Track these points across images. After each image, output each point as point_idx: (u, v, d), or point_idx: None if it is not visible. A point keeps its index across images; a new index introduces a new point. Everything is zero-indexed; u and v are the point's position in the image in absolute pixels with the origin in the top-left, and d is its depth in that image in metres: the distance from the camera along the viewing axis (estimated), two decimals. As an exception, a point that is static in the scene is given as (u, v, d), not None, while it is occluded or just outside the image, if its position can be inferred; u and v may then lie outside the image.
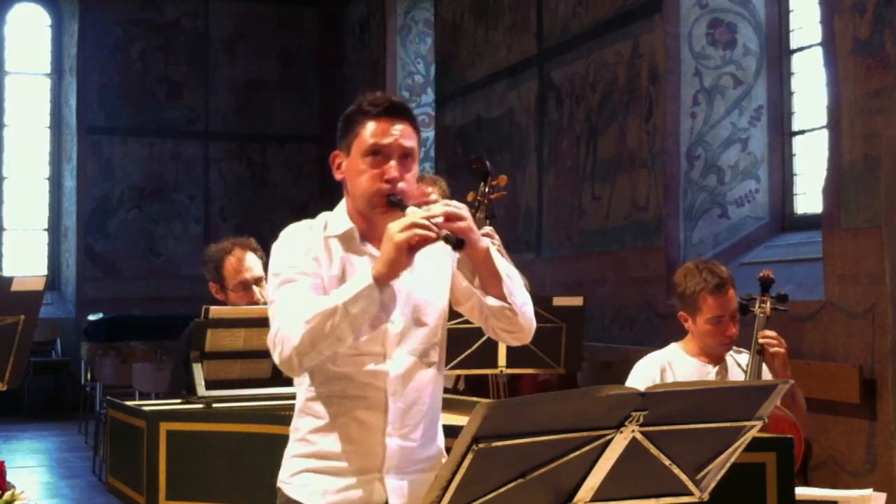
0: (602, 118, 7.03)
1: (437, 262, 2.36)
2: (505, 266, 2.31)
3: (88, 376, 9.77)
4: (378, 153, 2.28)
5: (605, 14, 6.99)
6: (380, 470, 2.28)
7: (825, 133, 5.19)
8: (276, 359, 2.23)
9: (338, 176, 2.38)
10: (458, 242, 2.13)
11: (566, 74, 7.48)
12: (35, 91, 12.70)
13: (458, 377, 4.10)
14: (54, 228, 12.60)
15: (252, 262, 3.80)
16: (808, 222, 5.85)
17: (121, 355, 9.43)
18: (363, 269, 2.25)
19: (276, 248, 2.35)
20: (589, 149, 7.16)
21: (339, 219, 2.37)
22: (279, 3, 12.75)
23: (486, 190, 4.34)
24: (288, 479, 2.36)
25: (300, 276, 2.27)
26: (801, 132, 6.12)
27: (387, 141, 2.28)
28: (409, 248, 2.14)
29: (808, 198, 6.06)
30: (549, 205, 7.68)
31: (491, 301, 2.28)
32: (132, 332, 10.07)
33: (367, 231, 2.34)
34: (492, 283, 2.28)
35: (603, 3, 7.01)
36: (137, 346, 9.66)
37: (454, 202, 2.25)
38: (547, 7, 7.73)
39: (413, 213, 2.18)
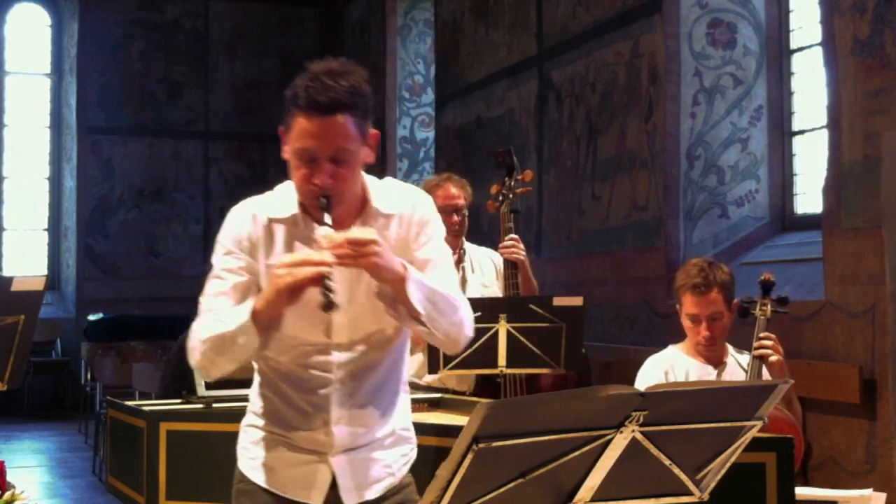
0: (602, 118, 7.02)
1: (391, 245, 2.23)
2: (430, 294, 2.14)
3: (88, 376, 9.77)
4: (306, 155, 2.11)
5: (605, 14, 6.98)
6: (327, 452, 2.26)
7: (825, 133, 5.19)
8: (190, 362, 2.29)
9: (284, 155, 2.20)
10: (327, 305, 2.02)
11: (566, 74, 7.48)
12: (35, 91, 12.69)
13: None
14: (54, 228, 12.60)
15: None
16: (808, 222, 5.84)
17: (121, 355, 9.42)
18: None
19: (222, 227, 2.29)
20: (589, 149, 7.16)
21: (286, 199, 2.25)
22: (279, 3, 12.75)
23: (512, 184, 4.34)
24: (247, 444, 2.36)
25: (226, 275, 2.25)
26: (801, 132, 6.11)
27: (315, 145, 2.09)
28: (291, 291, 2.06)
29: (808, 198, 6.05)
30: (549, 205, 7.68)
31: (412, 325, 2.17)
32: (132, 332, 10.06)
33: (317, 208, 2.17)
34: (411, 312, 2.13)
35: (603, 3, 7.01)
36: (137, 346, 9.64)
37: (367, 229, 2.13)
38: (547, 7, 7.73)
39: (322, 235, 2.08)
